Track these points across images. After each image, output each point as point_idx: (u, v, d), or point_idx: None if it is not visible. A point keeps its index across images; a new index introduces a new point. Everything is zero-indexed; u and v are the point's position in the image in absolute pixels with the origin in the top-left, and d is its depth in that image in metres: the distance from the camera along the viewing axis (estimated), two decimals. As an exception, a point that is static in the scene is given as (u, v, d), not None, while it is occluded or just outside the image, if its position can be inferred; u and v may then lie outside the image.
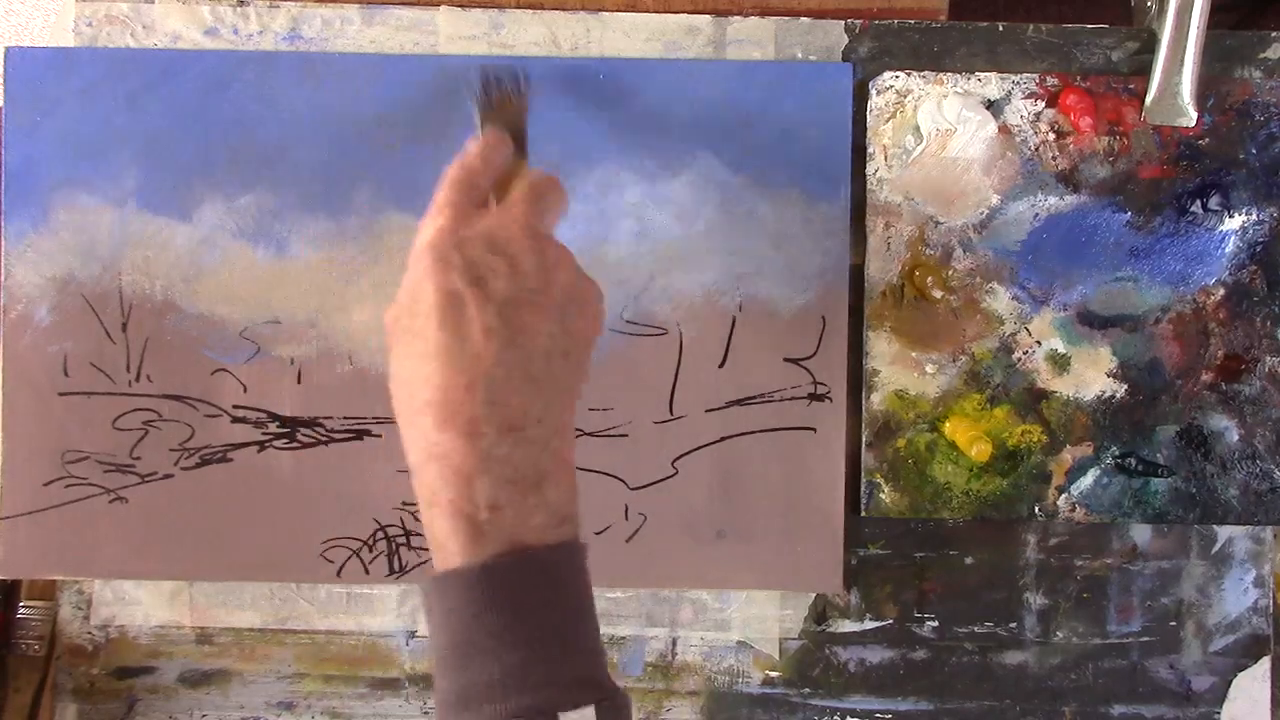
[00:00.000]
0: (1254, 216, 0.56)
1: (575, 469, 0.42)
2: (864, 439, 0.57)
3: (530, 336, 0.40)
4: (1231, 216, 0.56)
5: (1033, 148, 0.56)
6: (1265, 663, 0.59)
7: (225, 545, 0.56)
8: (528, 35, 0.57)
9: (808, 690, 0.59)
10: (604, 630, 0.57)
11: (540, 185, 0.44)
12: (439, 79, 0.56)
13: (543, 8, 0.58)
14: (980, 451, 0.56)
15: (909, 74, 0.56)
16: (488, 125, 0.49)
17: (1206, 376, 0.57)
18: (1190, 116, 0.56)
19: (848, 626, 0.59)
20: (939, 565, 0.58)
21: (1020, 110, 0.56)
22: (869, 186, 0.57)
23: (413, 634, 0.58)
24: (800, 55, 0.57)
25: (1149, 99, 0.56)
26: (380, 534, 0.57)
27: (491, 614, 0.38)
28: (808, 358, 0.57)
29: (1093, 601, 0.58)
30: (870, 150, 0.57)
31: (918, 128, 0.56)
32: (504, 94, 0.50)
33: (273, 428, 0.56)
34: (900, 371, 0.57)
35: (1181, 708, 0.59)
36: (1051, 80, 0.56)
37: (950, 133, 0.56)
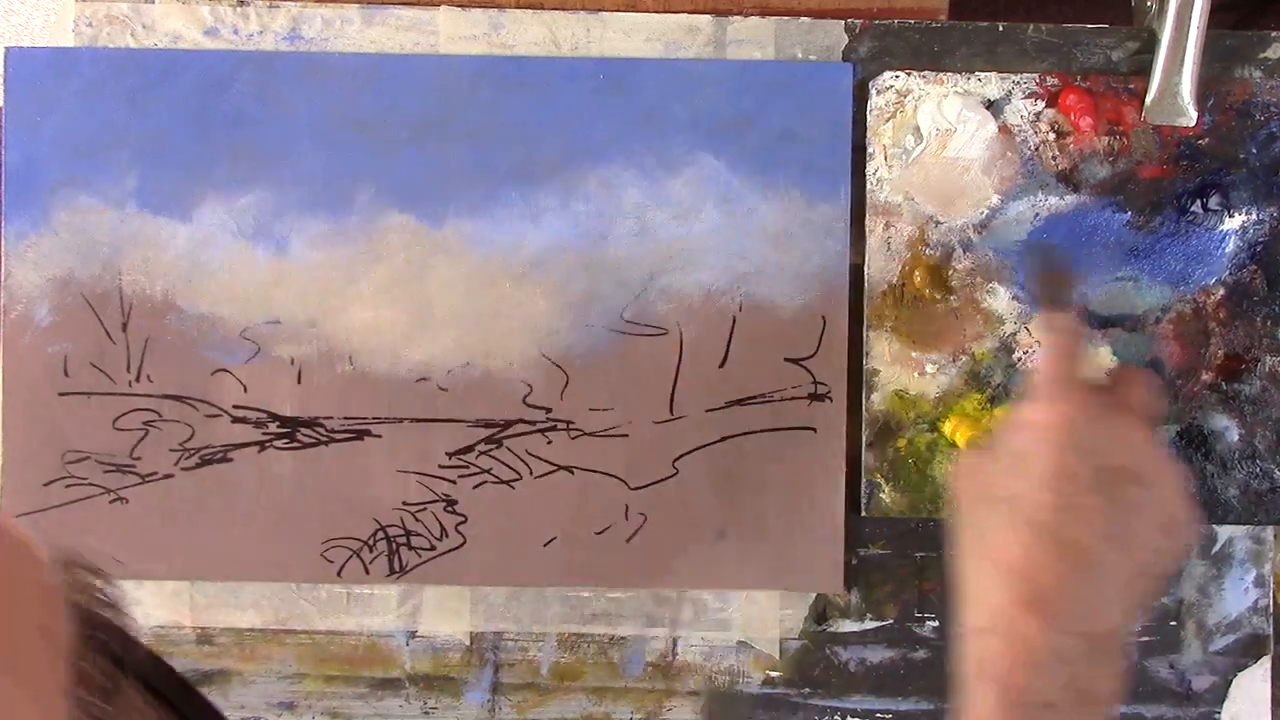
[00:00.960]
0: (1254, 216, 0.56)
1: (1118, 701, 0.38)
2: (864, 439, 0.57)
3: (1137, 547, 0.37)
4: (1231, 216, 0.56)
5: (1033, 148, 0.56)
6: (1265, 662, 0.59)
7: (226, 545, 0.56)
8: (528, 35, 0.57)
9: (808, 690, 0.59)
10: (605, 630, 0.58)
11: (1149, 381, 0.42)
12: (439, 79, 0.56)
13: (543, 8, 0.58)
14: (980, 451, 0.56)
15: (909, 74, 0.56)
16: (1046, 292, 0.48)
17: (1207, 376, 0.57)
18: (1190, 116, 0.56)
19: (848, 626, 0.59)
20: (939, 565, 0.58)
21: (1020, 110, 0.56)
22: (869, 186, 0.57)
23: (413, 634, 0.58)
24: (800, 55, 0.57)
25: (1149, 99, 0.56)
26: (380, 534, 0.57)
27: None
28: (808, 358, 0.57)
29: (1093, 601, 0.58)
30: (870, 150, 0.57)
31: (918, 128, 0.56)
32: (1062, 273, 0.49)
33: (273, 428, 0.56)
34: (900, 371, 0.57)
35: (1182, 707, 0.58)
36: (1051, 80, 0.56)
37: (950, 133, 0.56)
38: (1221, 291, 0.57)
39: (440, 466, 0.56)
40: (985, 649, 0.37)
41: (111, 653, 0.30)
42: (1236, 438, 0.57)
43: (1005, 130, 0.56)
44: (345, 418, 0.56)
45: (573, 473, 0.57)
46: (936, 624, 0.58)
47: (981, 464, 0.39)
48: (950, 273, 0.57)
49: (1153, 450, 0.38)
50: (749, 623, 0.58)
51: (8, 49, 0.55)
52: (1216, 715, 0.59)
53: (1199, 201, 0.56)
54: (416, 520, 0.57)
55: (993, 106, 0.56)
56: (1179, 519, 0.38)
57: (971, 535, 0.39)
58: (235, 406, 0.56)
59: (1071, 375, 0.40)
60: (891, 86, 0.56)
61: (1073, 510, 0.36)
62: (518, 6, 0.58)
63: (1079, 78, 0.56)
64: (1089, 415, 0.38)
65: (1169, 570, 0.40)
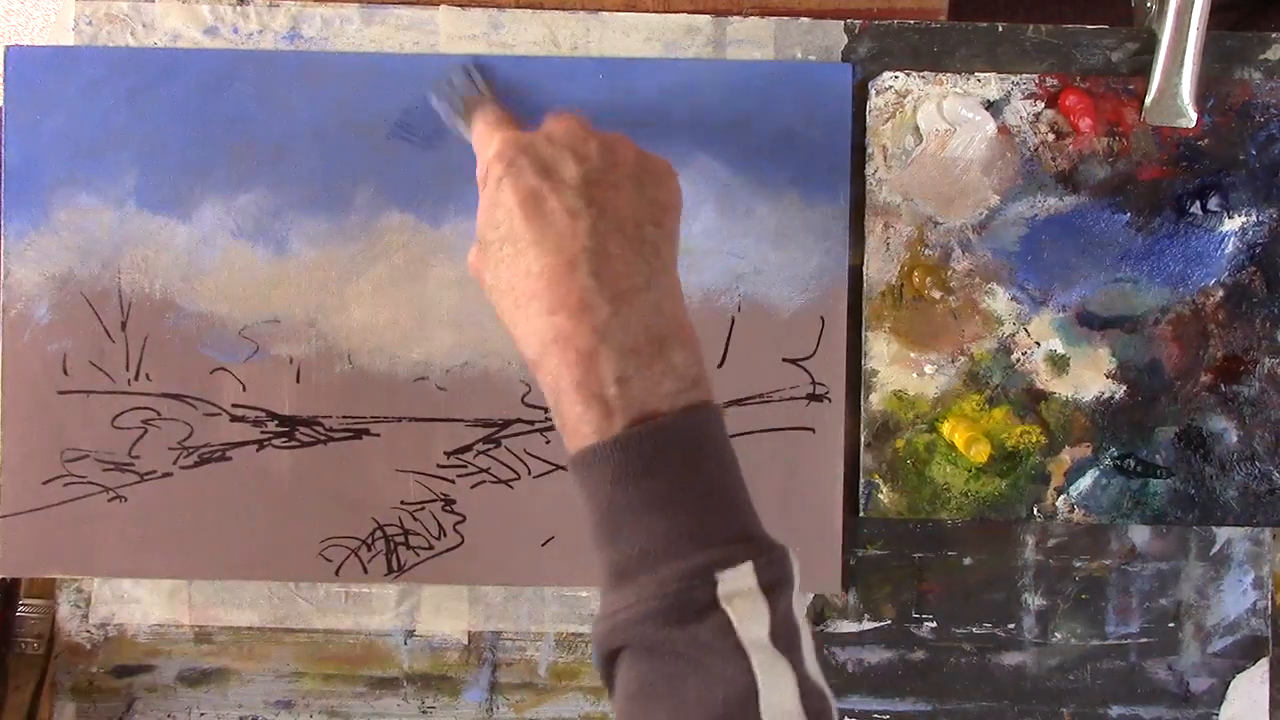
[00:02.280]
0: (1253, 217, 0.56)
1: (695, 332, 0.42)
2: (863, 439, 0.57)
3: (614, 209, 0.41)
4: (1231, 217, 0.56)
5: (1032, 148, 0.56)
6: (1264, 664, 0.58)
7: (224, 544, 0.56)
8: (528, 35, 0.57)
9: (806, 690, 0.58)
10: (602, 630, 0.58)
11: (571, 118, 0.46)
12: (439, 78, 0.56)
13: (543, 8, 0.58)
14: (979, 452, 0.56)
15: (909, 74, 0.56)
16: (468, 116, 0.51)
17: (1206, 378, 0.57)
18: (1190, 117, 0.56)
19: (846, 627, 0.58)
20: (937, 566, 0.58)
21: (1020, 111, 0.56)
22: (868, 186, 0.57)
23: (411, 633, 0.58)
24: (800, 55, 0.57)
25: (1149, 99, 0.56)
26: (379, 533, 0.57)
27: (632, 485, 0.37)
28: (807, 358, 0.56)
29: (1091, 602, 0.58)
30: (870, 150, 0.57)
31: (917, 128, 0.56)
32: (470, 92, 0.52)
33: (272, 427, 0.56)
34: (899, 372, 0.57)
35: (1180, 709, 0.58)
36: (1051, 81, 0.56)
37: (950, 133, 0.56)
38: (1221, 293, 0.57)
39: (439, 466, 0.56)
40: (547, 369, 0.39)
41: None
42: (1235, 439, 0.57)
43: (1005, 131, 0.56)
44: (344, 417, 0.56)
45: (571, 472, 0.57)
46: (935, 625, 0.58)
47: (478, 244, 0.43)
48: (949, 273, 0.57)
49: (573, 134, 0.43)
50: (747, 623, 0.58)
51: (8, 48, 0.55)
52: (1214, 717, 0.58)
53: (1198, 202, 0.56)
54: (415, 519, 0.57)
55: (992, 107, 0.56)
56: (646, 169, 0.43)
57: (496, 295, 0.42)
58: (234, 405, 0.56)
59: (504, 119, 0.46)
60: (891, 87, 0.56)
61: (541, 216, 0.40)
62: (518, 6, 0.58)
63: (1079, 78, 0.56)
64: (518, 138, 0.43)
65: (669, 215, 0.43)
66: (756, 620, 0.36)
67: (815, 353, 0.56)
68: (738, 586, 0.37)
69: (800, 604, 0.39)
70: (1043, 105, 0.56)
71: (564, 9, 0.57)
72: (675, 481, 0.38)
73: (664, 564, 0.37)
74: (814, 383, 0.57)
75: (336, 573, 0.57)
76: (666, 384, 0.39)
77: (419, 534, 0.57)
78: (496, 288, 0.42)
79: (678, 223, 0.44)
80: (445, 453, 0.56)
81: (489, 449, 0.56)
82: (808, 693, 0.36)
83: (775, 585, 0.37)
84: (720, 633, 0.36)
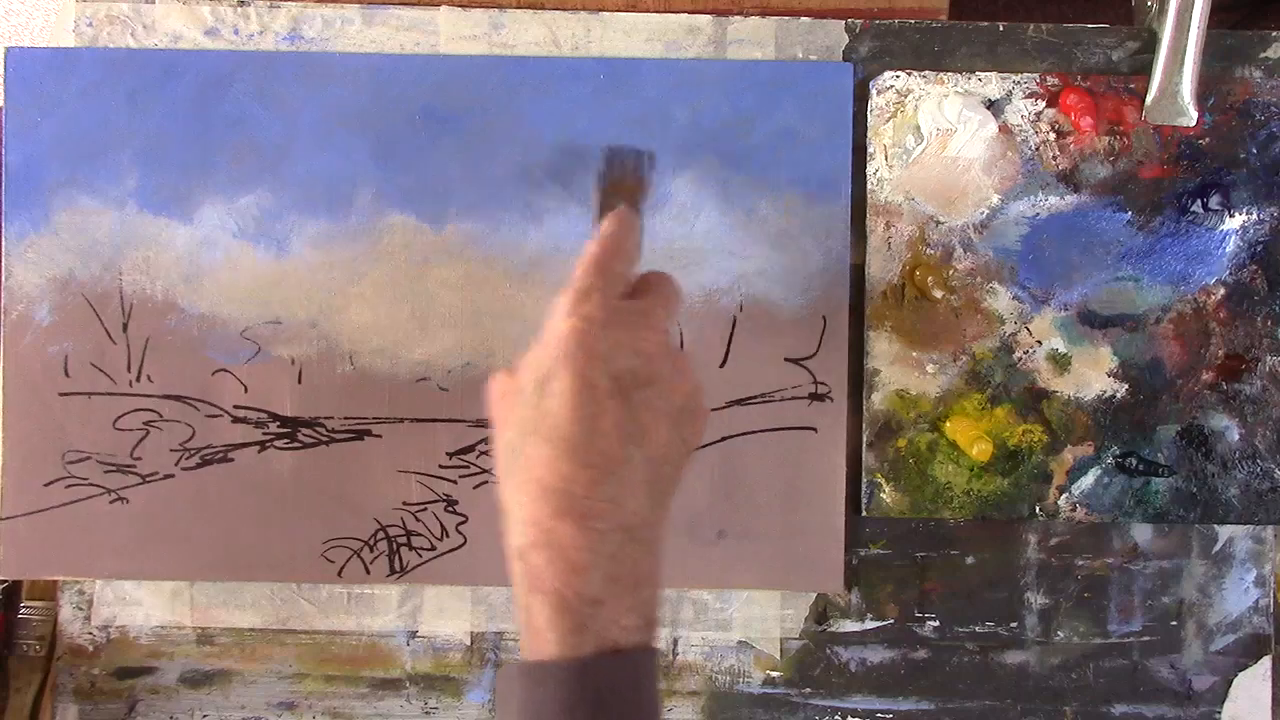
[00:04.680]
0: (1254, 216, 0.56)
1: (660, 577, 0.42)
2: (865, 439, 0.57)
3: (654, 441, 0.40)
4: (1232, 216, 0.56)
5: (1033, 147, 0.56)
6: (1266, 662, 0.59)
7: (226, 545, 0.56)
8: (528, 35, 0.57)
9: (809, 690, 0.59)
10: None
11: (669, 287, 0.44)
12: (439, 79, 0.56)
13: (543, 8, 0.58)
14: (981, 451, 0.56)
15: (909, 74, 0.56)
16: (609, 202, 0.48)
17: (1207, 376, 0.57)
18: (1190, 116, 0.56)
19: (849, 626, 0.59)
20: (940, 565, 0.58)
21: (1020, 110, 0.56)
22: (869, 186, 0.57)
23: (414, 634, 0.58)
24: (800, 55, 0.57)
25: (1149, 99, 0.56)
26: (381, 534, 0.57)
27: (582, 709, 0.37)
28: (808, 358, 0.57)
29: (1094, 601, 0.58)
30: (871, 150, 0.57)
31: (918, 127, 0.56)
32: (626, 172, 0.49)
33: (273, 428, 0.56)
34: (901, 371, 0.57)
35: (1182, 707, 0.59)
36: (1052, 80, 0.56)
37: (950, 132, 0.56)
38: (1222, 291, 0.57)
39: (441, 466, 0.56)
40: (531, 563, 0.39)
41: None
42: (1237, 437, 0.57)
43: (1005, 130, 0.56)
44: (345, 418, 0.56)
45: (573, 473, 0.57)
46: (937, 624, 0.58)
47: (512, 385, 0.41)
48: (951, 272, 0.57)
49: (662, 350, 0.41)
50: (749, 623, 0.58)
51: (8, 49, 0.55)
52: (1217, 715, 0.59)
53: (1199, 201, 0.56)
54: (417, 520, 0.57)
55: (993, 106, 0.56)
56: (690, 409, 0.42)
57: (507, 457, 0.40)
58: (236, 406, 0.56)
59: (599, 279, 0.41)
60: (892, 86, 0.56)
61: (592, 420, 0.39)
62: (518, 6, 0.58)
63: (1079, 78, 0.56)
64: (606, 320, 0.40)
65: (688, 456, 0.42)
66: None
67: (817, 352, 0.56)
68: None
69: None
70: (1044, 104, 0.56)
71: (564, 9, 0.57)
72: (617, 717, 0.38)
73: None
74: (816, 382, 0.57)
75: (339, 574, 0.57)
76: (630, 619, 0.39)
77: (421, 535, 0.57)
78: (512, 450, 0.40)
79: (687, 466, 0.43)
80: (447, 453, 0.56)
81: (491, 449, 0.56)
82: None
83: None
84: None
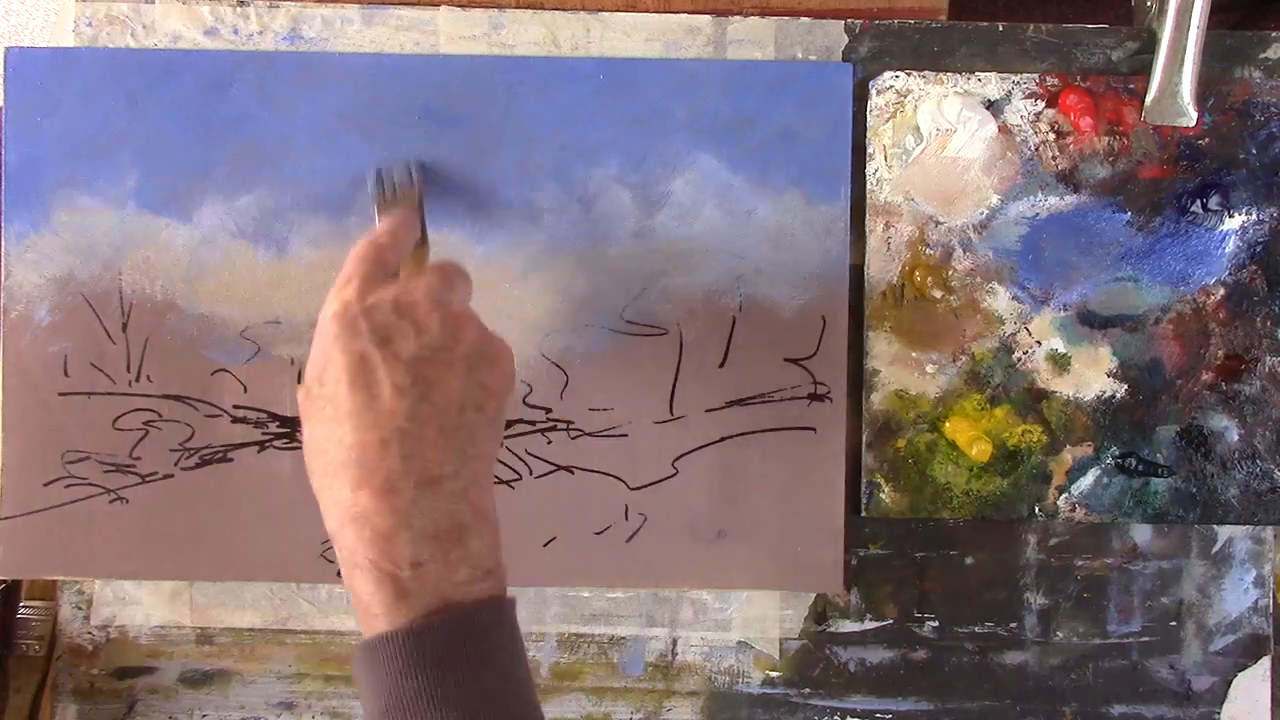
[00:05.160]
0: (1254, 216, 0.56)
1: (498, 522, 0.42)
2: (864, 439, 0.57)
3: (441, 391, 0.40)
4: (1231, 216, 0.56)
5: (1033, 148, 0.56)
6: (1265, 663, 0.59)
7: (225, 545, 0.56)
8: (528, 35, 0.57)
9: (808, 690, 0.59)
10: (604, 630, 0.58)
11: (447, 266, 0.45)
12: (439, 79, 0.56)
13: (543, 8, 0.58)
14: (980, 451, 0.56)
15: (909, 74, 0.56)
16: (387, 212, 0.51)
17: (1207, 376, 0.57)
18: (1190, 116, 0.56)
19: (848, 627, 0.59)
20: (939, 565, 0.58)
21: (1020, 110, 0.56)
22: (869, 186, 0.57)
23: (413, 634, 0.58)
24: (800, 55, 0.57)
25: (1149, 99, 0.56)
26: (380, 534, 0.56)
27: (421, 675, 0.37)
28: (808, 358, 0.57)
29: (1093, 601, 0.58)
30: (870, 150, 0.57)
31: (918, 128, 0.56)
32: (396, 186, 0.52)
33: (273, 428, 0.56)
34: (900, 371, 0.57)
35: (1182, 708, 0.59)
36: (1051, 80, 0.56)
37: (950, 133, 0.56)
38: (1221, 291, 0.57)
39: (440, 466, 0.56)
40: (344, 542, 0.39)
41: None
42: (1236, 438, 0.57)
43: (1005, 130, 0.56)
44: (345, 418, 0.56)
45: (573, 473, 0.57)
46: (936, 624, 0.58)
47: (302, 390, 0.42)
48: (950, 273, 0.57)
49: (431, 310, 0.42)
50: (749, 623, 0.58)
51: (8, 49, 0.55)
52: (1216, 715, 0.59)
53: (1199, 201, 0.56)
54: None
55: (993, 106, 0.56)
56: (484, 355, 0.42)
57: (309, 455, 0.41)
58: (235, 406, 0.56)
59: (358, 268, 0.44)
60: (891, 86, 0.56)
61: (368, 389, 0.40)
62: (518, 6, 0.58)
63: (1079, 78, 0.56)
64: (366, 298, 0.42)
65: (496, 401, 0.43)
66: None
67: (816, 352, 0.57)
68: None
69: None
70: (1043, 105, 0.56)
71: (564, 9, 0.57)
72: (463, 676, 0.38)
73: None
74: (815, 382, 0.57)
75: (338, 574, 0.57)
76: (462, 572, 0.39)
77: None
78: (311, 446, 0.41)
79: (503, 408, 0.43)
80: (447, 453, 0.56)
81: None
82: None
83: None
84: None
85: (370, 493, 0.39)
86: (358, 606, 0.39)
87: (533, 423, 0.56)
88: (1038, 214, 0.56)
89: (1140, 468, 0.57)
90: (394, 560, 0.38)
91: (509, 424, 0.56)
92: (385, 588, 0.38)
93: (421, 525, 0.39)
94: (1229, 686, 0.58)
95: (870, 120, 0.57)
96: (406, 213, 0.49)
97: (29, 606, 0.58)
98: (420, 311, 0.42)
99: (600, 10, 0.57)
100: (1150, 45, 0.57)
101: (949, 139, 0.56)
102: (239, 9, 0.57)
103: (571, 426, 0.57)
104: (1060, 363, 0.57)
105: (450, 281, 0.44)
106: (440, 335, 0.42)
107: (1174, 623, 0.58)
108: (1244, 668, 0.59)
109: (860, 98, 0.57)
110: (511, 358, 0.44)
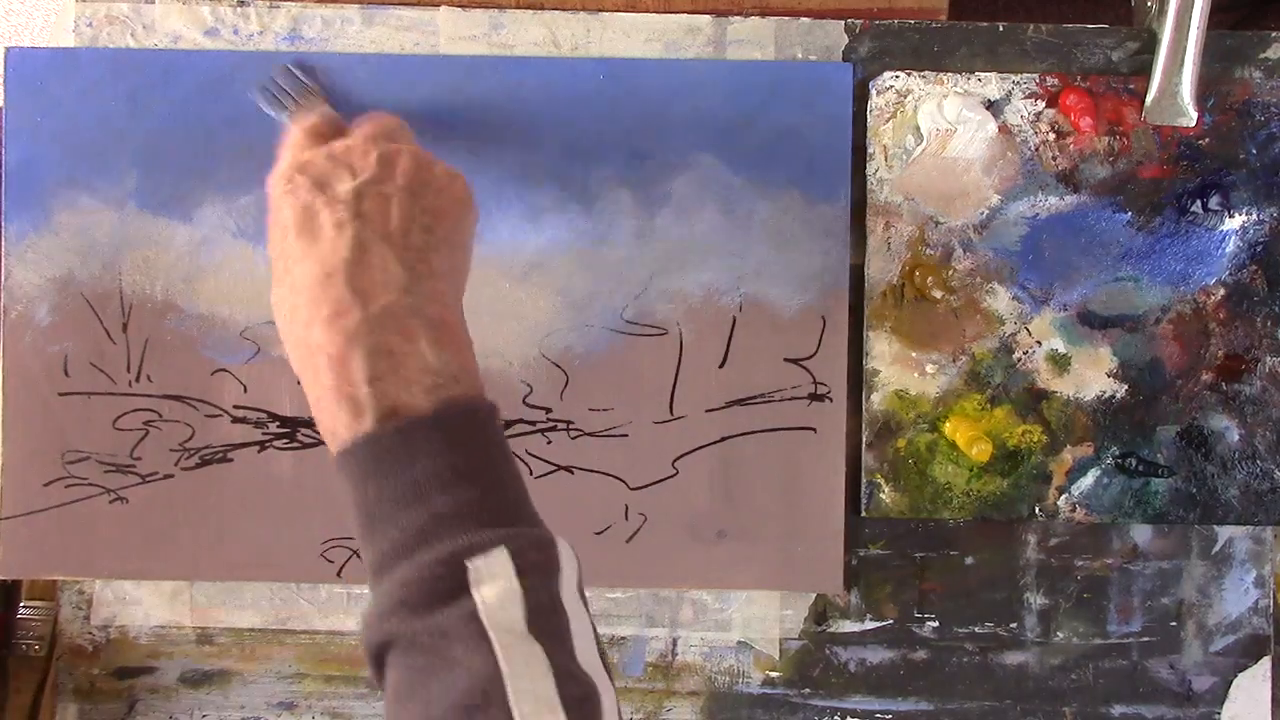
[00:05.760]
0: (1254, 216, 0.56)
1: (466, 333, 0.42)
2: (864, 439, 0.57)
3: (381, 219, 0.42)
4: (1232, 216, 0.56)
5: (1033, 148, 0.56)
6: (1265, 663, 0.59)
7: (226, 545, 0.56)
8: (528, 35, 0.57)
9: (808, 690, 0.59)
10: (604, 630, 0.58)
11: (381, 115, 0.47)
12: (439, 79, 0.56)
13: (543, 8, 0.58)
14: (980, 452, 0.56)
15: (909, 74, 0.56)
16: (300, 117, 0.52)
17: (1207, 376, 0.57)
18: (1190, 116, 0.56)
19: (848, 627, 0.58)
20: (939, 565, 0.58)
21: (1020, 110, 0.56)
22: (869, 186, 0.57)
23: (413, 634, 0.58)
24: (800, 55, 0.57)
25: (1149, 99, 0.56)
26: (380, 534, 0.56)
27: (385, 479, 0.38)
28: (808, 358, 0.57)
29: (1093, 602, 0.58)
30: (870, 150, 0.57)
31: (918, 128, 0.56)
32: (293, 94, 0.53)
33: (273, 428, 0.56)
34: (900, 371, 0.57)
35: (1182, 708, 0.58)
36: (1051, 80, 0.56)
37: (950, 133, 0.56)
38: (1222, 292, 0.57)
39: (440, 466, 0.56)
40: (308, 377, 0.40)
41: None
42: (1236, 438, 0.57)
43: (1005, 130, 0.56)
44: (345, 418, 0.56)
45: (573, 473, 0.57)
46: (936, 624, 0.58)
47: (274, 279, 0.43)
48: (950, 273, 0.57)
49: (363, 150, 0.43)
50: (749, 623, 0.58)
51: (8, 49, 0.55)
52: (1216, 716, 0.59)
53: (1199, 201, 0.56)
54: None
55: (993, 106, 0.56)
56: (423, 183, 0.43)
57: (276, 307, 0.42)
58: (235, 406, 0.56)
59: (286, 152, 0.46)
60: (891, 86, 0.56)
61: (311, 233, 0.41)
62: (518, 6, 0.58)
63: (1079, 78, 0.56)
64: (296, 165, 0.43)
65: (447, 222, 0.44)
66: (509, 606, 0.36)
67: (817, 352, 0.56)
68: (490, 572, 0.36)
69: (575, 593, 0.38)
70: (1043, 105, 0.56)
71: (564, 9, 0.57)
72: (430, 472, 0.38)
73: (416, 554, 0.37)
74: (815, 382, 0.57)
75: (338, 574, 0.57)
76: (425, 380, 0.39)
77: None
78: (276, 307, 0.42)
79: (458, 229, 0.44)
80: (447, 453, 0.56)
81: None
82: (566, 679, 0.35)
83: (534, 570, 0.37)
84: (465, 620, 0.35)
85: (321, 324, 0.39)
86: (326, 435, 0.40)
87: (533, 423, 0.56)
88: (1038, 214, 0.56)
89: (1140, 468, 0.57)
90: (350, 380, 0.39)
91: (508, 424, 0.56)
92: (344, 408, 0.39)
93: (373, 343, 0.39)
94: (1229, 687, 0.58)
95: (870, 120, 0.57)
96: (321, 108, 0.51)
97: (29, 606, 0.58)
98: (355, 154, 0.43)
99: (600, 10, 0.57)
100: (1150, 45, 0.56)
101: (949, 139, 0.56)
102: (239, 9, 0.57)
103: (571, 426, 0.57)
104: (1060, 363, 0.57)
105: (384, 127, 0.46)
106: (378, 170, 0.43)
107: (1174, 623, 0.58)
108: (1244, 668, 0.59)
109: (860, 98, 0.57)
110: (460, 181, 0.45)
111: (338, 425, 0.39)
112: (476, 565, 0.36)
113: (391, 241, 0.41)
